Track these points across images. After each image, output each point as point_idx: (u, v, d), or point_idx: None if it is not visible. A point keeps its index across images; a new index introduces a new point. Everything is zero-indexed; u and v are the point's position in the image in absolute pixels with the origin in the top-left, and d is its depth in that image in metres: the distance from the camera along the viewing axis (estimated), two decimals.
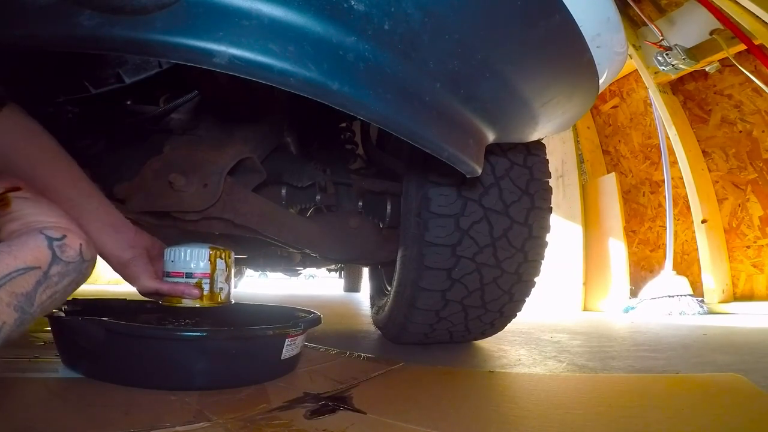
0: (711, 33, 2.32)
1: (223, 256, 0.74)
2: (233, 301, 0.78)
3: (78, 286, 0.48)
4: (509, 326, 1.11)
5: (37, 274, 0.42)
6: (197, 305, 0.71)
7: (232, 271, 0.78)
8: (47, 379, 0.62)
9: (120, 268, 0.68)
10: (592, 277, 2.84)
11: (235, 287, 4.38)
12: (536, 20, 0.45)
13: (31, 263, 0.42)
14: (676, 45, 2.38)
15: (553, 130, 0.70)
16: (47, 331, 0.83)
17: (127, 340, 0.62)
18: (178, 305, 0.70)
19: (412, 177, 0.96)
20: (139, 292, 0.71)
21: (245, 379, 0.65)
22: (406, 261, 0.97)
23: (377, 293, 1.38)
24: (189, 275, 0.70)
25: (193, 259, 0.71)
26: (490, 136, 0.61)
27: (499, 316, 1.04)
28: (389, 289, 1.12)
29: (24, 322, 0.41)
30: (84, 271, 0.48)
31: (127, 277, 0.69)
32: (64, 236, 0.45)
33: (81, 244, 0.47)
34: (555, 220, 2.10)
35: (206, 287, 0.71)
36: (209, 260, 0.72)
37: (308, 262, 1.80)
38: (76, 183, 0.62)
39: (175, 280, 0.70)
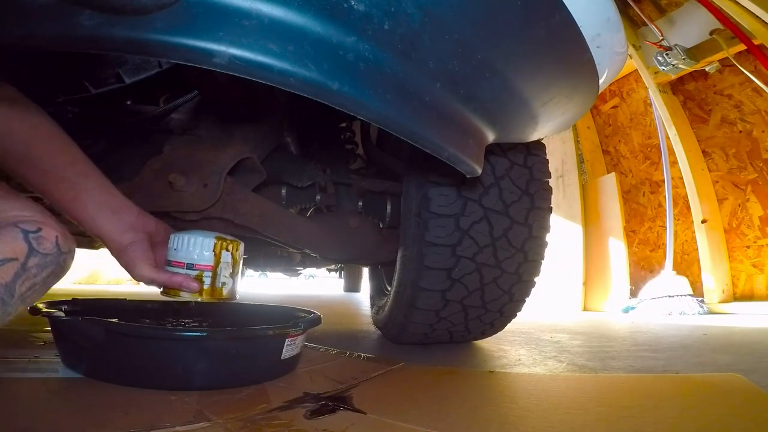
0: (711, 33, 2.32)
1: (230, 248, 0.69)
2: (237, 298, 0.73)
3: (57, 278, 0.48)
4: (509, 326, 1.11)
5: (15, 265, 0.42)
6: (197, 299, 0.67)
7: (240, 266, 0.72)
8: (47, 379, 0.62)
9: (117, 252, 0.65)
10: (592, 277, 2.84)
11: None
12: (536, 20, 0.45)
13: (8, 255, 0.42)
14: (676, 45, 2.38)
15: (553, 130, 0.70)
16: (47, 331, 0.83)
17: (127, 340, 0.62)
18: (177, 298, 0.67)
19: (412, 177, 0.96)
20: (136, 280, 0.67)
21: (245, 379, 0.65)
22: (406, 261, 0.97)
23: (377, 293, 1.38)
24: (190, 266, 0.66)
25: (195, 249, 0.66)
26: (490, 136, 0.61)
27: (499, 316, 1.04)
28: (389, 289, 1.12)
29: (4, 313, 0.41)
30: (62, 263, 0.48)
31: (124, 264, 0.65)
32: (40, 229, 0.45)
33: (57, 237, 0.47)
34: (555, 220, 2.11)
35: (207, 281, 0.67)
36: (213, 251, 0.67)
37: (308, 262, 1.80)
38: (73, 163, 0.59)
39: (176, 270, 0.66)
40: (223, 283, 0.69)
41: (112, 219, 0.63)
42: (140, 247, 0.65)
